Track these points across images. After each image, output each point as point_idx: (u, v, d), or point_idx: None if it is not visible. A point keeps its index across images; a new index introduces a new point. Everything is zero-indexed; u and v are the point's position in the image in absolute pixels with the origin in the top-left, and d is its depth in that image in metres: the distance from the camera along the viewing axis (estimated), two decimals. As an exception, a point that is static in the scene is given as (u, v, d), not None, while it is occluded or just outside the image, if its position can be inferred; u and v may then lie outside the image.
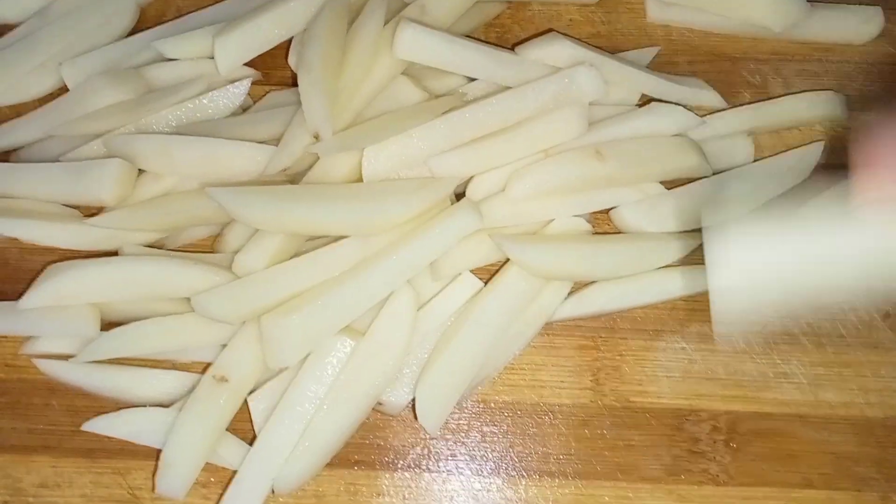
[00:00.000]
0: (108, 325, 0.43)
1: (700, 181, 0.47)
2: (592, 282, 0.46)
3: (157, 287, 0.43)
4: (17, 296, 0.43)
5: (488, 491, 0.44)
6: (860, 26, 0.52)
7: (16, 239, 0.46)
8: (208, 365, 0.43)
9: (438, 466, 0.44)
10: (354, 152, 0.44)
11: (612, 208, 0.46)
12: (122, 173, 0.45)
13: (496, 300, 0.44)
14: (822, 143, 0.49)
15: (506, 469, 0.44)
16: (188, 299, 0.42)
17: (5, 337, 0.45)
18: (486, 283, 0.45)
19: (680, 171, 0.46)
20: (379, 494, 0.43)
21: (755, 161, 0.48)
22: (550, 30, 0.52)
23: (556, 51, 0.46)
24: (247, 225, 0.44)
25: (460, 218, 0.43)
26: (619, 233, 0.47)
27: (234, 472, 0.42)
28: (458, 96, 0.46)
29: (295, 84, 0.45)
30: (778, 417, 0.44)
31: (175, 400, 0.43)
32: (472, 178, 0.45)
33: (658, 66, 0.50)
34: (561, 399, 0.45)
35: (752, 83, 0.51)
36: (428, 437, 0.44)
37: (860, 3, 0.52)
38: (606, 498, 0.43)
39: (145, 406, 0.43)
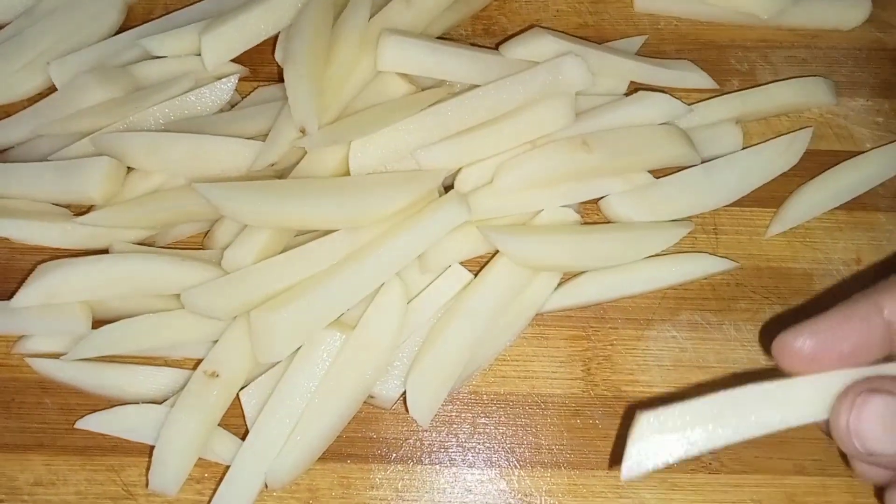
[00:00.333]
0: (99, 323, 0.43)
1: (688, 169, 0.47)
2: (582, 272, 0.46)
3: (148, 284, 0.43)
4: (8, 295, 0.43)
5: (481, 482, 0.44)
6: (847, 12, 0.52)
7: (6, 238, 0.46)
8: (200, 361, 0.43)
9: (431, 459, 0.44)
10: (341, 146, 0.44)
11: (600, 198, 0.46)
12: (110, 171, 0.45)
13: (486, 292, 0.44)
14: (811, 129, 0.49)
15: (498, 460, 0.44)
16: (178, 296, 0.42)
17: (-3, 336, 0.45)
18: (475, 275, 0.45)
19: (668, 160, 0.46)
20: (372, 487, 0.43)
21: (744, 148, 0.48)
22: (536, 23, 0.52)
23: (540, 47, 0.46)
24: (235, 220, 0.44)
25: (448, 210, 0.43)
26: (608, 223, 0.47)
27: (228, 466, 0.42)
28: (444, 88, 0.47)
29: (283, 79, 0.45)
30: (769, 404, 0.44)
31: (167, 396, 0.43)
32: (459, 170, 0.45)
33: (645, 55, 0.50)
34: (552, 389, 0.45)
35: (739, 71, 0.51)
36: (420, 429, 0.44)
37: (847, -11, 0.52)
38: (599, 487, 0.43)
39: (138, 403, 0.43)
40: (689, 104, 0.47)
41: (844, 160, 0.48)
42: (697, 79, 0.49)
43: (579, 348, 0.46)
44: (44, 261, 0.44)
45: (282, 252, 0.43)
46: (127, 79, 0.48)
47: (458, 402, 0.45)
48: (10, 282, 0.45)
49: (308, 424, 0.42)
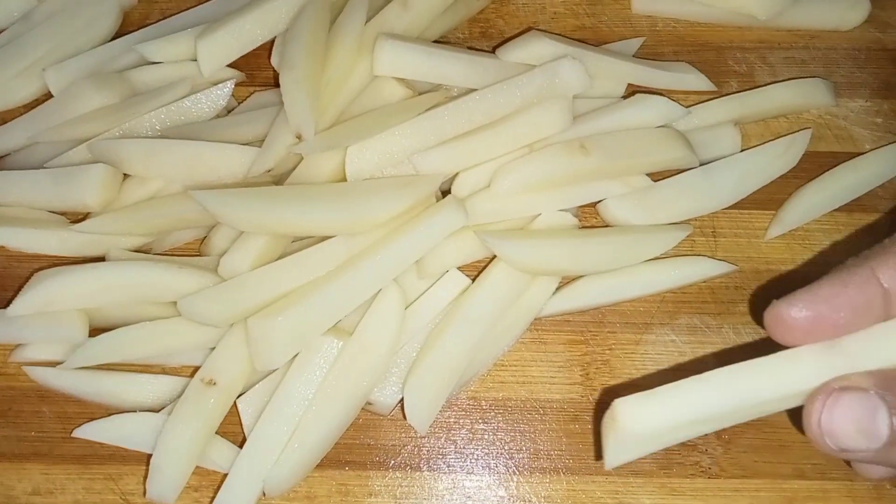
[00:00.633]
0: (96, 331, 0.43)
1: (687, 172, 0.47)
2: (580, 276, 0.45)
3: (144, 291, 0.43)
4: (5, 303, 0.43)
5: (480, 489, 0.43)
6: (846, 12, 0.51)
7: (2, 246, 0.46)
8: (197, 368, 0.43)
9: (429, 465, 0.44)
10: (338, 151, 0.44)
11: (598, 202, 0.46)
12: (106, 178, 0.45)
13: (484, 297, 0.44)
14: (810, 130, 0.49)
15: (497, 466, 0.44)
16: (175, 303, 0.42)
17: (-6, 345, 0.45)
18: (473, 280, 0.45)
19: (666, 163, 0.46)
20: (370, 494, 0.43)
21: (742, 150, 0.48)
22: (533, 25, 0.52)
23: (537, 50, 0.46)
24: (231, 227, 0.44)
25: (446, 215, 0.43)
26: (606, 226, 0.47)
27: (226, 475, 0.42)
28: (441, 92, 0.46)
29: (279, 84, 0.45)
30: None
31: (165, 404, 0.43)
32: (456, 174, 0.45)
33: (643, 57, 0.50)
34: (551, 394, 0.45)
35: (738, 72, 0.51)
36: (418, 435, 0.44)
37: (846, -11, 0.51)
38: (598, 493, 0.43)
39: (135, 411, 0.43)
40: (687, 106, 0.47)
41: (844, 161, 0.48)
42: (695, 81, 0.49)
43: (578, 353, 0.45)
44: (40, 268, 0.44)
45: (279, 258, 0.43)
46: (123, 85, 0.48)
47: (456, 408, 0.45)
48: (6, 290, 0.45)
49: (306, 432, 0.41)
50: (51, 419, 0.44)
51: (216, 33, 0.47)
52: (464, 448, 0.44)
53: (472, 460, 0.44)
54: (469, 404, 0.45)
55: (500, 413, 0.45)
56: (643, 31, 0.52)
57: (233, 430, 0.43)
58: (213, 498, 0.42)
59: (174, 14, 0.52)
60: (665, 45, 0.52)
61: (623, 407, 0.31)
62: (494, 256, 0.45)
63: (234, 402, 0.43)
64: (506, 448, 0.44)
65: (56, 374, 0.43)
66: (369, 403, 0.43)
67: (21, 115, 0.49)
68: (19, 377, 0.44)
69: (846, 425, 0.30)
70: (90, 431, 0.43)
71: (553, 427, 0.44)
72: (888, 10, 0.52)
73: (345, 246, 0.43)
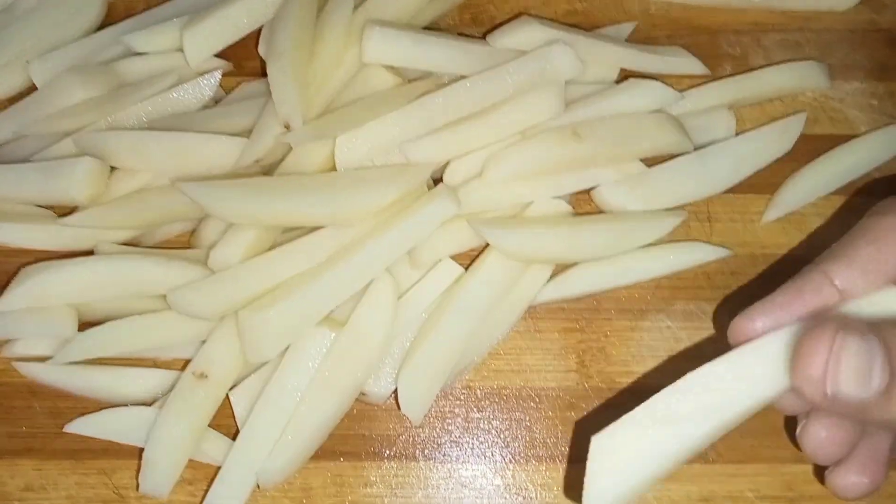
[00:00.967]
0: (85, 325, 0.43)
1: (681, 157, 0.46)
2: (575, 263, 0.45)
3: (134, 285, 0.43)
4: (-7, 299, 0.42)
5: (476, 478, 0.43)
6: (841, -7, 0.51)
7: (-11, 242, 0.45)
8: (189, 361, 0.43)
9: (425, 455, 0.44)
10: (327, 141, 0.43)
11: (592, 188, 0.46)
12: (93, 171, 0.44)
13: (477, 286, 0.43)
14: (805, 113, 0.48)
15: (493, 455, 0.43)
16: (165, 296, 0.42)
17: (-17, 341, 0.45)
18: (466, 269, 0.44)
19: (660, 148, 0.46)
20: (366, 485, 0.43)
21: (737, 134, 0.47)
22: (525, 10, 0.51)
23: (528, 35, 0.46)
24: (221, 219, 0.43)
25: (438, 204, 0.42)
26: (601, 213, 0.46)
27: (219, 467, 0.42)
28: (431, 80, 0.46)
29: (266, 74, 0.45)
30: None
31: (157, 398, 0.43)
32: (448, 163, 0.45)
33: (636, 42, 0.50)
34: (546, 382, 0.44)
35: (732, 55, 0.50)
36: (413, 425, 0.44)
37: (840, -30, 0.51)
38: (595, 480, 0.43)
39: (127, 405, 0.43)
40: (680, 91, 0.47)
41: (839, 144, 0.48)
42: (689, 64, 0.49)
43: (573, 340, 0.45)
44: (28, 263, 0.43)
45: (269, 250, 0.42)
46: (109, 76, 0.48)
47: (451, 398, 0.44)
48: (-6, 285, 0.45)
49: (299, 423, 0.41)
50: (42, 414, 0.44)
51: (202, 23, 0.46)
52: (459, 437, 0.44)
53: (468, 449, 0.44)
54: (464, 393, 0.44)
55: (495, 402, 0.44)
56: (635, 15, 0.51)
57: (226, 423, 0.43)
58: (207, 490, 0.41)
59: (159, 4, 0.51)
60: (658, 28, 0.51)
61: (600, 442, 0.30)
62: (487, 245, 0.44)
63: (227, 395, 0.42)
64: (501, 437, 0.44)
65: (46, 369, 0.43)
66: (363, 394, 0.43)
67: (5, 108, 0.48)
68: (9, 373, 0.44)
69: (848, 370, 0.29)
70: (82, 426, 0.42)
71: (549, 415, 0.44)
72: (883, -10, 0.52)
73: (336, 236, 0.42)
